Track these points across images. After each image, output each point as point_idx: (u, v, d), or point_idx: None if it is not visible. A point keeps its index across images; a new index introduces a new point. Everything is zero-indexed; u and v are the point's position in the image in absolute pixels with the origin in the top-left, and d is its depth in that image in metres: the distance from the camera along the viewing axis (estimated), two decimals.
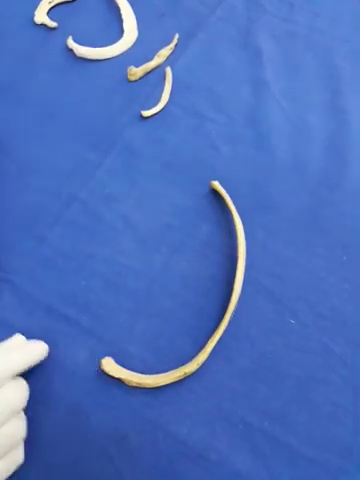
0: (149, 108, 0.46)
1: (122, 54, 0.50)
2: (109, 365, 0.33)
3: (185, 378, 0.33)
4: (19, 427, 0.30)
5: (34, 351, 0.33)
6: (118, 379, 0.33)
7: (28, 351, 0.32)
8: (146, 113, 0.45)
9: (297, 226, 0.40)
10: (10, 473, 0.29)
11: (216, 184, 0.41)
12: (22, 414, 0.30)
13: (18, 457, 0.30)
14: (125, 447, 0.32)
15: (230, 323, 0.35)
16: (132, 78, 0.48)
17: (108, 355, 0.34)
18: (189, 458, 0.32)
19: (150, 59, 0.49)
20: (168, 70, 0.48)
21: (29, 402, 0.30)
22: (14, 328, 0.35)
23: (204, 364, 0.33)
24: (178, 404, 0.33)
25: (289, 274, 0.38)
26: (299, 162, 0.43)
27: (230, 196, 0.40)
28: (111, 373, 0.33)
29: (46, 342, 0.34)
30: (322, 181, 0.42)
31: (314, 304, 0.37)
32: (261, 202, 0.41)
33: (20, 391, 0.30)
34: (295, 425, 0.33)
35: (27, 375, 0.31)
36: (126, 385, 0.33)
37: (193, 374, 0.33)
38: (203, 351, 0.34)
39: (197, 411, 0.33)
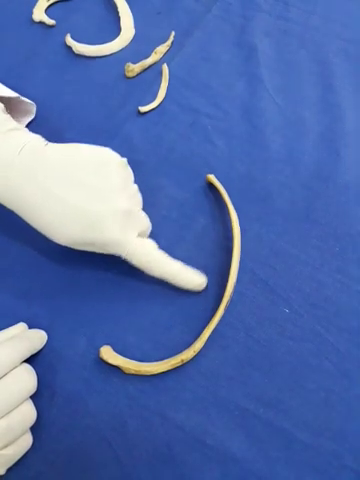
0: (146, 104, 0.47)
1: (120, 51, 0.51)
2: (107, 353, 0.34)
3: (182, 365, 0.34)
4: (29, 412, 0.30)
5: (35, 338, 0.34)
6: (116, 367, 0.34)
7: (30, 338, 0.33)
8: (143, 109, 0.46)
9: (291, 218, 0.41)
10: (19, 458, 0.30)
11: (212, 177, 0.41)
12: (30, 400, 0.31)
13: (27, 442, 0.31)
14: (123, 433, 0.33)
15: (226, 312, 0.36)
16: (130, 74, 0.49)
17: (106, 344, 0.35)
18: (186, 443, 0.32)
19: (147, 56, 0.50)
20: (165, 67, 0.49)
21: None
22: (13, 318, 0.35)
23: (200, 352, 0.34)
24: (175, 391, 0.34)
25: (283, 265, 0.38)
26: (293, 156, 0.44)
27: (225, 189, 0.41)
28: (109, 361, 0.34)
29: (45, 331, 0.35)
30: (315, 174, 0.43)
31: (308, 294, 0.37)
32: (256, 194, 0.42)
33: (29, 376, 0.31)
34: (289, 411, 0.33)
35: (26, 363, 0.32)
36: (124, 373, 0.34)
37: (190, 361, 0.34)
38: (199, 339, 0.34)
39: (194, 397, 0.34)
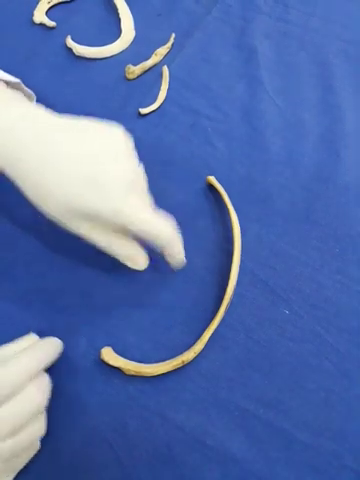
0: (147, 106, 0.47)
1: (120, 53, 0.51)
2: (108, 354, 0.34)
3: (182, 366, 0.34)
4: (38, 429, 0.30)
5: (49, 349, 0.32)
6: (117, 368, 0.34)
7: (43, 349, 0.31)
8: (144, 111, 0.46)
9: (291, 219, 0.41)
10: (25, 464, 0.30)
11: (212, 179, 0.41)
12: (42, 414, 0.31)
13: (34, 449, 0.31)
14: (124, 434, 0.33)
15: (226, 313, 0.36)
16: (130, 76, 0.49)
17: (107, 345, 0.35)
18: (186, 444, 0.33)
19: (147, 58, 0.50)
20: (165, 69, 0.49)
21: None
22: (13, 319, 0.35)
23: (201, 353, 0.34)
24: (175, 391, 0.34)
25: (283, 266, 0.39)
26: (293, 157, 0.44)
27: (226, 190, 0.41)
28: (110, 362, 0.34)
29: (46, 332, 0.35)
30: (315, 175, 0.43)
31: (308, 295, 0.38)
32: (256, 196, 0.42)
33: (42, 392, 0.29)
34: (289, 411, 0.34)
35: None
36: (125, 374, 0.34)
37: (190, 362, 0.34)
38: (200, 340, 0.35)
39: (194, 398, 0.34)
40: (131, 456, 0.32)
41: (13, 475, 0.29)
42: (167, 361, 0.34)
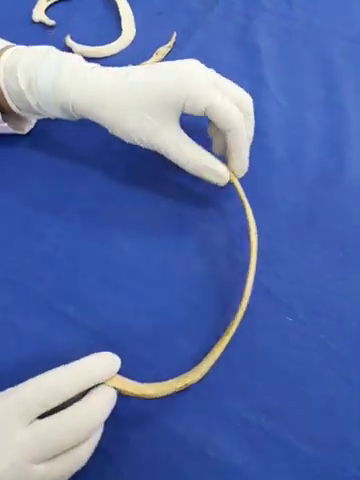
0: None
1: (120, 52, 0.50)
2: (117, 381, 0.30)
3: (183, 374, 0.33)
4: (80, 458, 0.27)
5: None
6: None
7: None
8: None
9: (294, 222, 0.40)
10: None
11: (232, 176, 0.38)
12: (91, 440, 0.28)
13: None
14: (124, 444, 0.32)
15: (228, 320, 0.35)
16: None
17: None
18: (187, 454, 0.32)
19: (148, 57, 0.49)
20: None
21: None
22: (14, 326, 0.35)
23: (202, 361, 0.34)
24: (176, 401, 0.33)
25: (286, 271, 0.38)
26: (296, 158, 0.44)
27: (227, 192, 0.40)
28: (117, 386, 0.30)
29: (44, 339, 0.34)
30: (319, 177, 0.43)
31: (311, 301, 0.37)
32: (258, 198, 0.41)
33: (98, 409, 0.28)
34: (292, 421, 0.33)
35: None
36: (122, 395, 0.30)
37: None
38: (206, 360, 0.33)
39: (195, 408, 0.33)
40: (132, 467, 0.32)
41: None
42: (170, 381, 0.32)
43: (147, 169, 0.43)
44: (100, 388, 0.28)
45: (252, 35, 0.52)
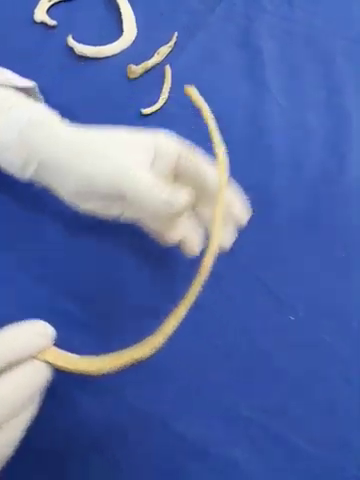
0: (149, 106, 0.46)
1: (122, 52, 0.50)
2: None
3: (184, 373, 0.33)
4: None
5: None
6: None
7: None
8: (146, 111, 0.46)
9: (296, 223, 0.40)
10: None
11: (191, 90, 0.36)
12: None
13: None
14: (125, 443, 0.32)
15: (231, 318, 0.35)
16: (132, 76, 0.48)
17: (101, 346, 0.33)
18: (188, 452, 0.32)
19: (149, 57, 0.49)
20: (167, 68, 0.49)
21: None
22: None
23: (203, 361, 0.34)
24: (176, 398, 0.33)
25: (288, 271, 0.38)
26: (298, 159, 0.44)
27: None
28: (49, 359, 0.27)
29: None
30: (320, 178, 0.43)
31: (312, 300, 0.37)
32: (260, 199, 0.41)
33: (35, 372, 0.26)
34: (293, 419, 0.33)
35: None
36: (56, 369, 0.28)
37: (193, 370, 0.34)
38: (161, 331, 0.28)
39: (196, 406, 0.33)
40: (132, 466, 0.32)
41: None
42: (113, 355, 0.28)
43: None
44: (28, 362, 0.26)
45: (253, 36, 0.52)
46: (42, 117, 0.35)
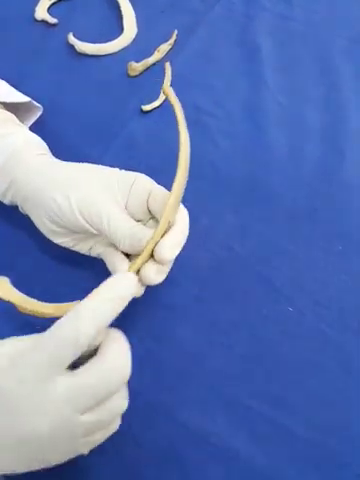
0: (149, 103, 0.47)
1: (122, 50, 0.51)
2: (2, 286, 0.28)
3: (186, 363, 0.34)
4: (121, 402, 0.27)
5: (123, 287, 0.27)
6: (9, 303, 0.28)
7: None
8: (146, 107, 0.46)
9: (294, 217, 0.41)
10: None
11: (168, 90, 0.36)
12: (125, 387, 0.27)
13: (115, 426, 0.28)
14: (127, 432, 0.33)
15: (230, 311, 0.36)
16: (132, 73, 0.49)
17: None
18: (190, 441, 0.33)
19: (150, 55, 0.50)
20: (167, 65, 0.49)
21: None
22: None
23: (204, 350, 0.34)
24: (178, 388, 0.34)
25: (287, 264, 0.39)
26: (296, 155, 0.44)
27: (228, 189, 0.41)
28: (2, 296, 0.28)
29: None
30: (318, 173, 0.43)
31: (311, 293, 0.37)
32: (259, 194, 0.42)
33: (124, 354, 0.26)
34: (293, 409, 0.34)
35: None
36: (19, 312, 0.29)
37: (195, 360, 0.34)
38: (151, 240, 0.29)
39: (197, 395, 0.34)
40: (135, 454, 0.32)
41: (87, 451, 0.27)
42: (74, 302, 0.28)
43: (148, 164, 0.43)
44: (111, 337, 0.27)
45: (252, 34, 0.52)
46: (25, 148, 0.35)
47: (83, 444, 0.26)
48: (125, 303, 0.26)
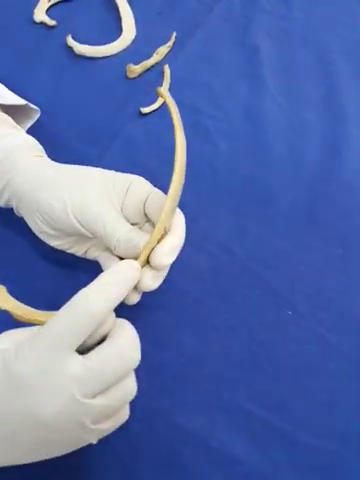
0: (148, 105, 0.47)
1: (121, 52, 0.51)
2: None
3: (186, 366, 0.34)
4: (130, 388, 0.26)
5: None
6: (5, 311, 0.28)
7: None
8: (145, 110, 0.46)
9: (293, 219, 0.41)
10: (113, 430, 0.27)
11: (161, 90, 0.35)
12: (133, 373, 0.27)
13: (124, 416, 0.28)
14: (126, 436, 0.32)
15: (229, 314, 0.35)
16: (131, 75, 0.49)
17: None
18: (189, 445, 0.32)
19: (149, 57, 0.50)
20: (166, 67, 0.49)
21: None
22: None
23: (203, 353, 0.34)
24: (178, 392, 0.34)
25: (286, 266, 0.38)
26: (295, 156, 0.44)
27: (227, 190, 0.41)
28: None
29: None
30: (318, 175, 0.43)
31: (311, 296, 0.37)
32: (258, 196, 0.42)
33: (131, 340, 0.26)
34: (293, 413, 0.33)
35: None
36: (15, 319, 0.28)
37: (194, 363, 0.34)
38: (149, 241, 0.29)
39: (197, 400, 0.34)
40: (134, 458, 0.32)
41: (96, 440, 0.26)
42: None
43: (147, 166, 0.43)
44: (119, 324, 0.26)
45: (251, 36, 0.52)
46: (21, 149, 0.35)
47: (91, 432, 0.25)
48: (131, 285, 0.27)
